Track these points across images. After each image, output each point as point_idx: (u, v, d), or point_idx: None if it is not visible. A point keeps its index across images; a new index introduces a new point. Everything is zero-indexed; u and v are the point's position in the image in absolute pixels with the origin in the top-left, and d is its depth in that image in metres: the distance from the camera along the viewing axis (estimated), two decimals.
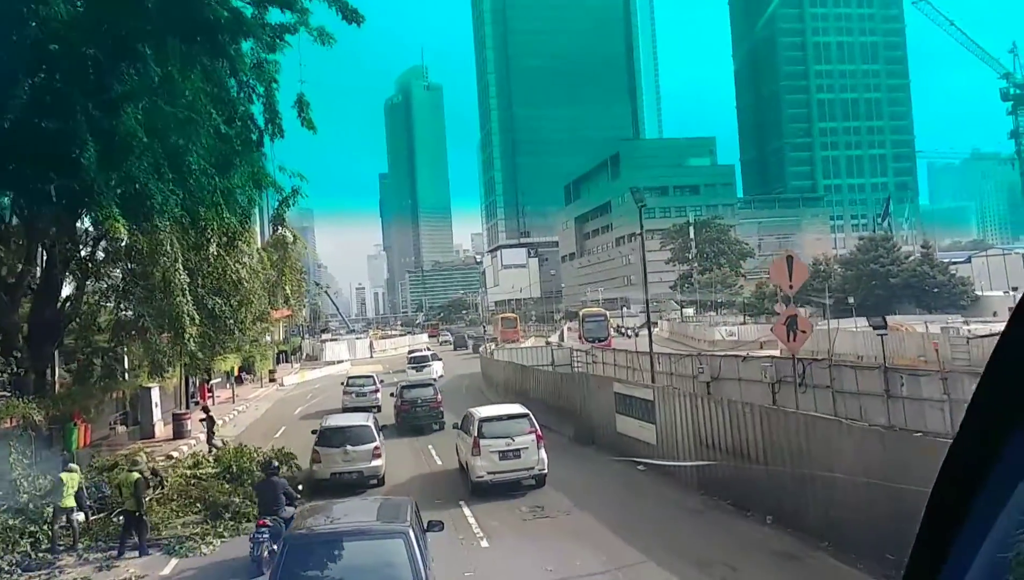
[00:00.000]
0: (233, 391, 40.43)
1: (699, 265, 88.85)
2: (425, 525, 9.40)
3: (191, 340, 18.88)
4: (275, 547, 11.08)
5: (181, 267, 18.11)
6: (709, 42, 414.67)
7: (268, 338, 59.34)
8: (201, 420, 24.26)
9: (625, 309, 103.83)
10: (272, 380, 51.99)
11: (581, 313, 67.35)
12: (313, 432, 19.20)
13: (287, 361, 71.47)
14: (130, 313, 23.08)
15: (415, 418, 26.69)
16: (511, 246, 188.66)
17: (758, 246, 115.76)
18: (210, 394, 39.40)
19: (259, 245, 22.71)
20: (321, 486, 17.36)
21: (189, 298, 18.60)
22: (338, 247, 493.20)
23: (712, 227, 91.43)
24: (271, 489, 13.20)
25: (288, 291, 22.70)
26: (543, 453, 17.20)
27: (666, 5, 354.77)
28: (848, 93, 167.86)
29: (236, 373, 50.61)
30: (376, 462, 17.91)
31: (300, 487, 15.52)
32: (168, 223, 17.62)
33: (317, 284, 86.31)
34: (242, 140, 20.21)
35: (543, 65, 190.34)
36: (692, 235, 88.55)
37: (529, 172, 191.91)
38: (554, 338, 65.97)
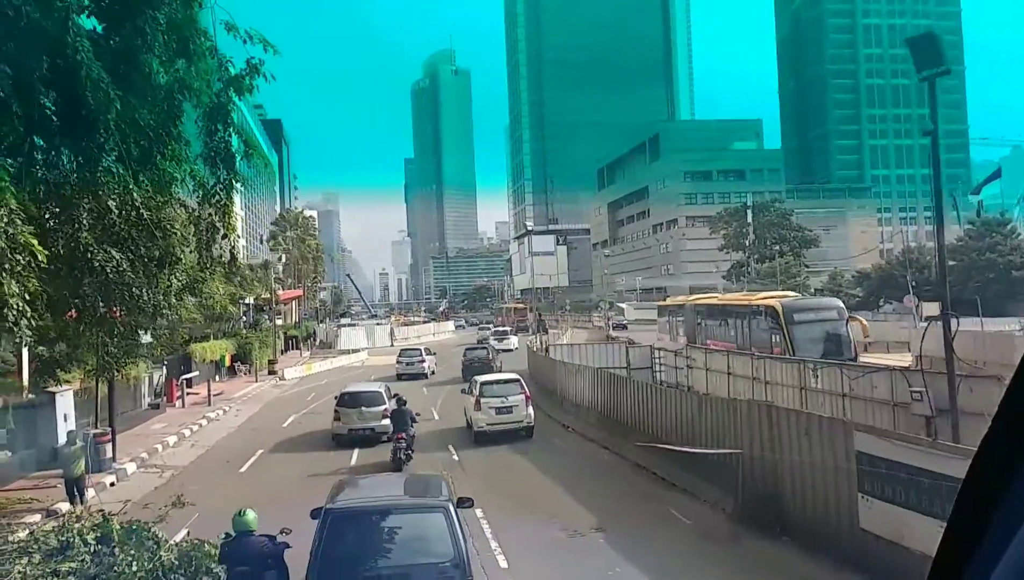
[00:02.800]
0: (209, 389, 30.56)
1: (757, 253, 78.10)
2: (455, 501, 8.68)
3: (22, 318, 9.05)
4: (411, 451, 17.46)
5: None
6: (749, 23, 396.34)
7: (270, 321, 49.55)
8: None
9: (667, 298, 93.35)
10: (272, 372, 42.35)
11: (779, 305, 28.99)
12: (335, 398, 21.64)
13: (297, 347, 61.98)
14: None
15: (474, 369, 32.81)
16: (540, 232, 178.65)
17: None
18: (179, 393, 29.72)
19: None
20: (340, 439, 20.44)
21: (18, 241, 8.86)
22: (363, 232, 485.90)
23: (772, 211, 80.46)
24: (403, 414, 18.09)
25: (231, 242, 12.86)
26: (531, 410, 20.80)
27: None
28: (899, 79, 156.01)
29: (228, 363, 41.17)
30: (385, 421, 19.87)
31: (418, 414, 19.76)
32: None
33: (304, 238, 75.74)
34: None
35: (575, 45, 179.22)
36: (750, 219, 77.68)
37: (558, 157, 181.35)
38: (607, 327, 55.18)
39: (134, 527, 10.08)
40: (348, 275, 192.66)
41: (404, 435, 17.32)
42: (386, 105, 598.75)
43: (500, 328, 68.16)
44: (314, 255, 75.48)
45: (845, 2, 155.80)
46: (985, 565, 1.25)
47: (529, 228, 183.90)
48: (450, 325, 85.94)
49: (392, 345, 67.59)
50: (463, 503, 9.12)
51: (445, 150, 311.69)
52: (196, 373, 33.04)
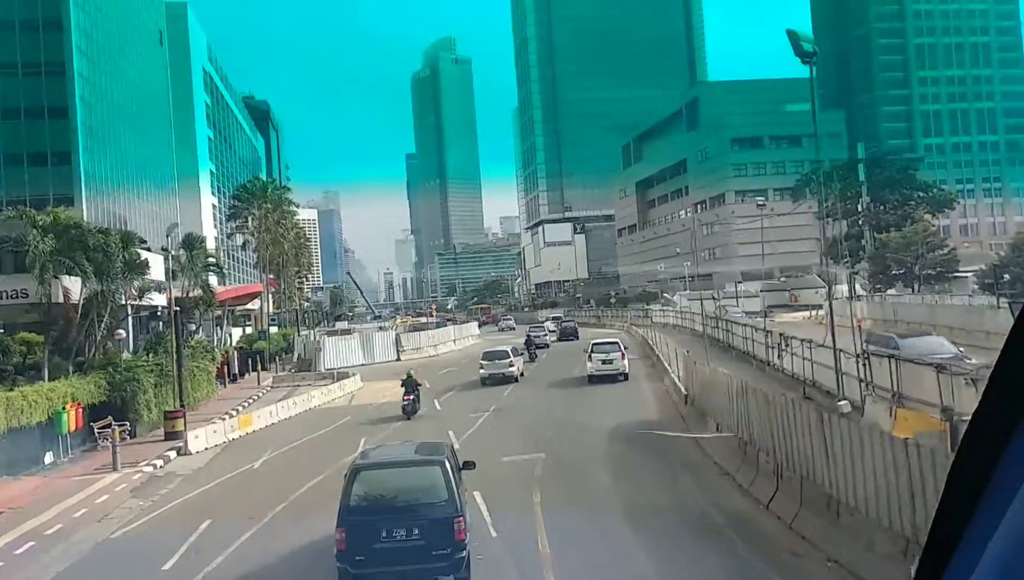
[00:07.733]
0: None
1: (875, 219, 56.97)
2: (460, 463, 11.23)
3: None
4: (533, 360, 39.82)
5: None
6: None
7: (177, 332, 27.43)
8: None
9: (739, 284, 71.96)
10: (172, 433, 21.21)
11: None
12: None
13: (261, 368, 40.60)
14: None
15: (567, 333, 53.98)
16: (554, 221, 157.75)
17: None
18: None
19: None
20: (484, 380, 31.14)
21: None
22: (365, 231, 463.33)
23: (890, 165, 59.38)
24: (530, 342, 41.43)
25: None
26: (626, 362, 30.11)
27: None
28: (952, 36, 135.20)
29: (74, 425, 20.04)
30: (511, 369, 31.70)
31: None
32: None
33: (279, 220, 52.99)
34: None
35: (588, 16, 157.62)
36: (862, 177, 56.58)
37: (573, 137, 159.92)
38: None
39: None
40: (348, 273, 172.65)
41: (534, 351, 40.27)
42: (386, 99, 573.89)
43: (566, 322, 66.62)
44: (292, 241, 54.02)
45: None
46: (989, 516, 1.19)
47: (543, 217, 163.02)
48: (473, 327, 64.40)
49: (399, 358, 46.51)
50: (467, 466, 11.48)
51: (448, 143, 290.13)
52: None
